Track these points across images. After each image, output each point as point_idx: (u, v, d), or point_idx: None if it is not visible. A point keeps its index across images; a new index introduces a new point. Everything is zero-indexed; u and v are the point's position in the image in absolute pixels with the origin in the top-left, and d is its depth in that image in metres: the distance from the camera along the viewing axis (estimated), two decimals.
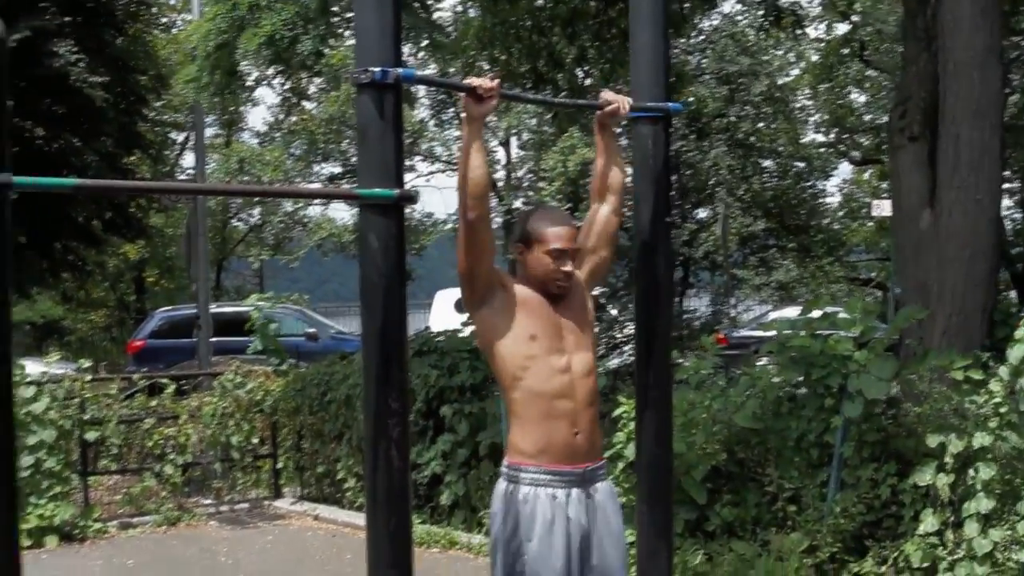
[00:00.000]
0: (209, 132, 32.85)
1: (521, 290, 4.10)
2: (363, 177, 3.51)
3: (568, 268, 4.10)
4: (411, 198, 3.50)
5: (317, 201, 37.14)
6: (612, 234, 4.33)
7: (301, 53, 10.52)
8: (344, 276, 52.15)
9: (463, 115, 3.87)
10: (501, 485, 4.03)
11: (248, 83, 12.89)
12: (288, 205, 36.44)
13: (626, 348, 19.73)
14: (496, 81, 3.75)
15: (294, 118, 34.29)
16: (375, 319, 3.50)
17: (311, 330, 22.24)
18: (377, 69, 3.41)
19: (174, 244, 31.52)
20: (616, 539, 4.06)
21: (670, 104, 4.33)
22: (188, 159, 34.71)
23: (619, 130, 4.64)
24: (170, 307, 24.76)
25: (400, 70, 3.44)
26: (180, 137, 34.17)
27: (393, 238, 3.48)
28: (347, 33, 10.98)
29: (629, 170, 4.44)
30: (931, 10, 10.36)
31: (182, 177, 27.49)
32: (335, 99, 26.67)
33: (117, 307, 36.11)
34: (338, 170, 36.10)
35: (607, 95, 4.18)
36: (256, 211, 37.42)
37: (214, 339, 18.20)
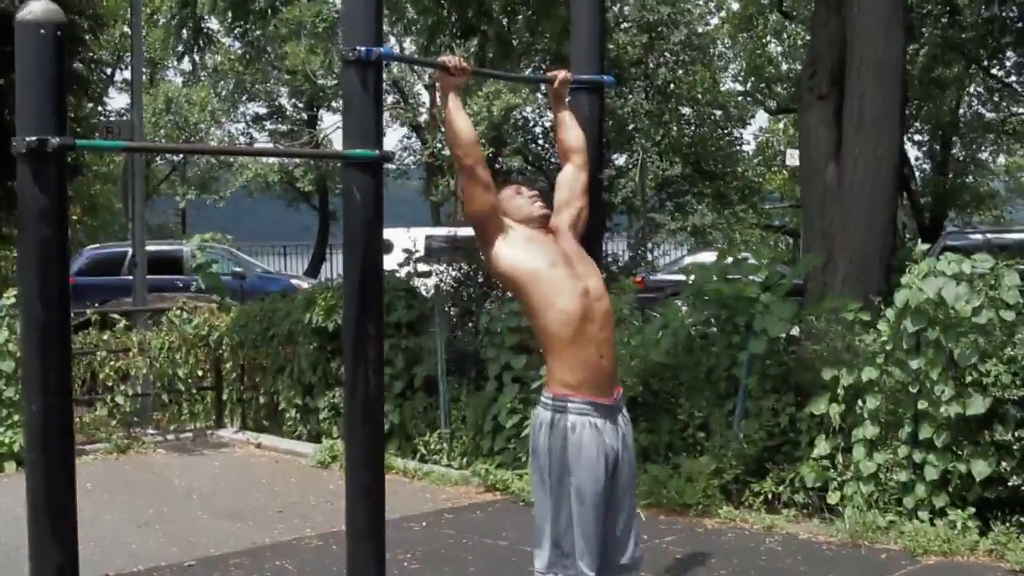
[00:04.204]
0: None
1: (524, 228, 4.46)
2: (348, 140, 4.13)
3: (535, 194, 4.53)
4: (389, 157, 4.15)
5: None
6: (583, 186, 4.76)
7: (257, 7, 11.00)
8: (260, 215, 52.11)
9: (438, 85, 4.46)
10: (546, 415, 4.35)
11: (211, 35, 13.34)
12: (214, 143, 36.58)
13: None
14: (465, 61, 4.41)
15: (219, 58, 34.38)
16: (356, 260, 4.15)
17: (238, 269, 22.65)
18: (362, 48, 4.03)
19: (99, 181, 31.59)
20: (632, 462, 4.57)
21: (604, 76, 5.02)
22: (111, 95, 34.72)
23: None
24: (97, 245, 24.96)
25: (382, 49, 4.08)
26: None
27: (373, 191, 4.13)
28: None
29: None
30: None
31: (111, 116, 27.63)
32: (296, 53, 27.14)
33: None
34: (263, 110, 36.38)
35: (555, 72, 4.85)
36: None
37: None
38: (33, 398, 3.49)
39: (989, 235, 21.10)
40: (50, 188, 3.48)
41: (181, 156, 37.08)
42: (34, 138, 3.43)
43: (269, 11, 11.28)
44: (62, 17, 3.52)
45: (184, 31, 11.34)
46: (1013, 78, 28.47)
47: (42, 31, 3.50)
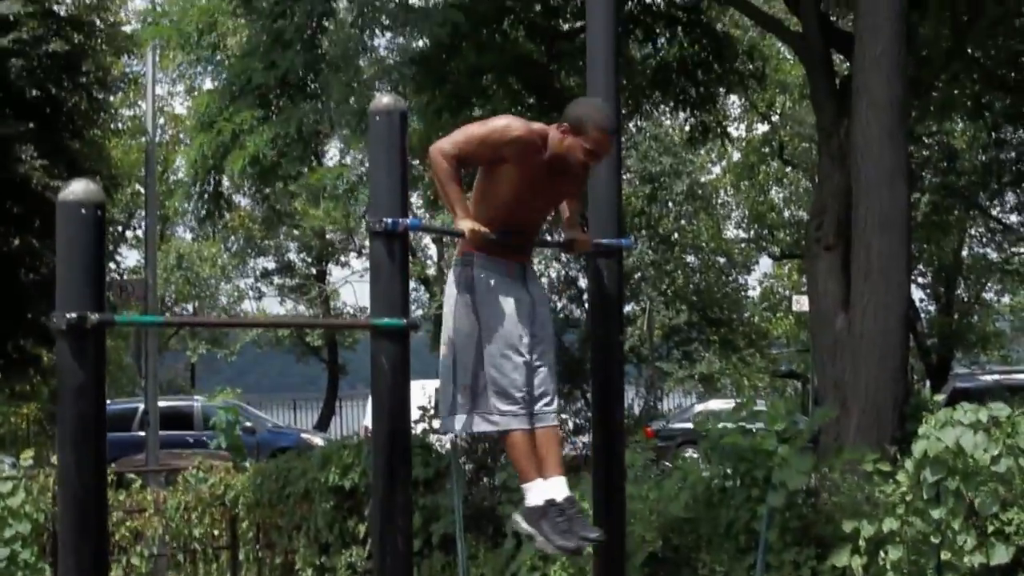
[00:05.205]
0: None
1: (532, 151, 4.69)
2: (375, 309, 4.21)
3: (590, 164, 4.78)
4: (416, 326, 4.22)
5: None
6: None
7: (282, 174, 11.23)
8: (266, 367, 52.30)
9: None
10: (451, 277, 4.77)
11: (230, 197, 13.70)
12: (223, 299, 36.90)
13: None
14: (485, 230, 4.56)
15: (228, 215, 34.78)
16: (384, 426, 4.19)
17: (248, 424, 22.65)
18: (389, 220, 4.14)
19: (108, 338, 31.74)
20: (549, 320, 4.88)
21: (623, 240, 5.13)
22: (122, 251, 35.10)
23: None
24: (108, 400, 24.98)
25: (408, 220, 4.18)
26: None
27: (400, 359, 4.19)
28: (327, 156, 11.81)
29: None
30: (844, 131, 11.33)
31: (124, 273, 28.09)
32: (314, 215, 27.75)
33: (50, 400, 36.01)
34: (272, 265, 36.73)
35: (571, 234, 4.97)
36: (189, 306, 37.78)
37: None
38: (69, 574, 3.51)
39: (998, 376, 21.12)
40: (88, 364, 3.56)
41: (192, 311, 37.34)
42: (74, 315, 3.52)
43: (293, 178, 11.55)
44: (103, 197, 3.64)
45: (205, 196, 11.57)
46: (1013, 218, 28.77)
47: (83, 211, 3.60)
